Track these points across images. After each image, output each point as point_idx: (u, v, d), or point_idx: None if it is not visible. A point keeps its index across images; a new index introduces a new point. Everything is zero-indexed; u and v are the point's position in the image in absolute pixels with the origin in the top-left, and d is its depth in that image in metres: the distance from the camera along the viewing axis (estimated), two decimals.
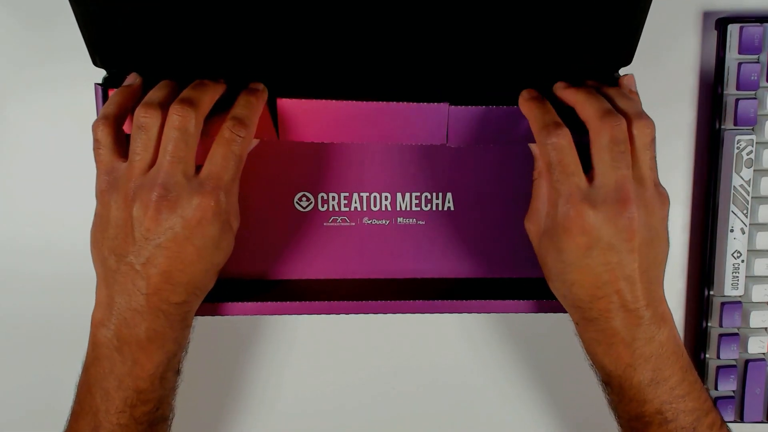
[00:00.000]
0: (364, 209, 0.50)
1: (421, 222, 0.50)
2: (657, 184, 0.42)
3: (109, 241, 0.40)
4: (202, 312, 0.45)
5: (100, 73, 0.45)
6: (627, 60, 0.44)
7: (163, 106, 0.40)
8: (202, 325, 0.47)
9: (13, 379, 0.54)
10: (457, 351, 0.55)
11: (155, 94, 0.41)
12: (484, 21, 0.41)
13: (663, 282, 0.43)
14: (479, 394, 0.56)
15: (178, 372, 0.43)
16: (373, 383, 0.56)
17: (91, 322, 0.41)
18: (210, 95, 0.41)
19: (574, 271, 0.40)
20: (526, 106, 0.42)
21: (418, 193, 0.50)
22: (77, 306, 0.52)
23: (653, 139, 0.41)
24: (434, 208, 0.50)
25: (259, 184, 0.50)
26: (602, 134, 0.39)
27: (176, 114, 0.39)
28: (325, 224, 0.50)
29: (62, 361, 0.54)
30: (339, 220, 0.50)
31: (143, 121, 0.39)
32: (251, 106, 0.41)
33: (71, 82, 0.50)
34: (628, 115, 0.40)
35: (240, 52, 0.43)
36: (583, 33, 0.42)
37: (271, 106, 0.44)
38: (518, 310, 0.48)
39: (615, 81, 0.45)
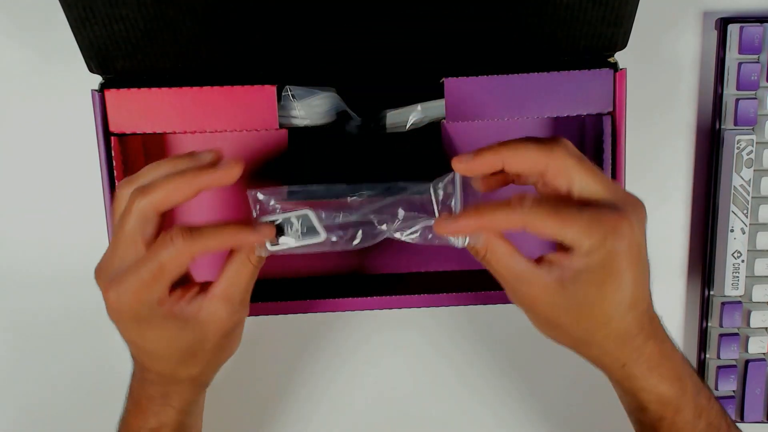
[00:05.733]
0: None
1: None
2: None
3: None
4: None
5: (96, 79, 0.44)
6: (623, 43, 0.44)
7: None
8: None
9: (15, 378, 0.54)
10: (462, 344, 0.55)
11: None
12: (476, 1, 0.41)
13: None
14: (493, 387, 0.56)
15: None
16: (372, 380, 0.56)
17: None
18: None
19: (636, 288, 0.36)
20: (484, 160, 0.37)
21: None
22: (77, 304, 0.53)
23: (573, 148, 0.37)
24: None
25: (260, 183, 0.50)
26: (566, 160, 0.36)
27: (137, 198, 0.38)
28: None
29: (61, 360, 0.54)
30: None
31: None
32: (218, 235, 0.37)
33: (68, 89, 0.50)
34: (541, 147, 0.37)
35: (237, 52, 0.43)
36: (577, 13, 0.42)
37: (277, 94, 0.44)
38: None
39: (610, 65, 0.45)
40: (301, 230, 0.38)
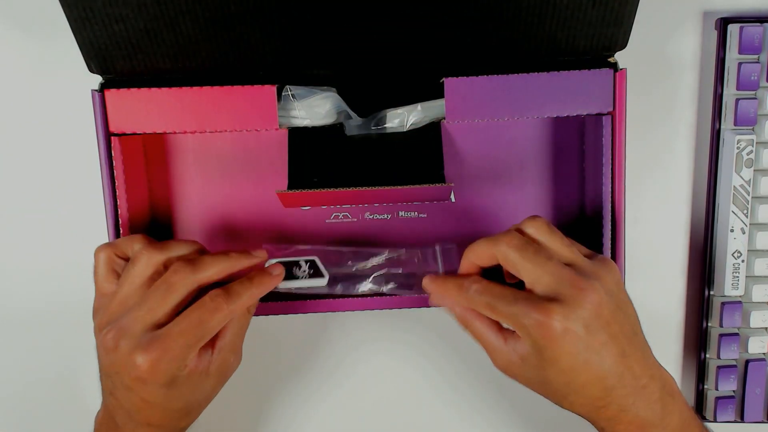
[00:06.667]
0: (366, 204, 0.50)
1: (422, 215, 0.50)
2: (592, 256, 0.42)
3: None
4: None
5: (96, 79, 0.44)
6: (623, 43, 0.44)
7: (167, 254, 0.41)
8: None
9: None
10: (462, 344, 0.55)
11: (174, 246, 0.42)
12: (476, 2, 0.41)
13: (649, 347, 0.41)
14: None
15: None
16: (372, 379, 0.56)
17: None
18: (218, 268, 0.40)
19: (580, 374, 0.38)
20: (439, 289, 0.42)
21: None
22: (77, 304, 0.53)
23: (549, 225, 0.41)
24: (435, 201, 0.50)
25: (260, 183, 0.50)
26: (508, 252, 0.39)
27: (172, 268, 0.40)
28: (327, 221, 0.50)
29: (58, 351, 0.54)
30: (341, 216, 0.50)
31: (137, 256, 0.41)
32: (247, 289, 0.41)
33: (68, 88, 0.50)
34: (514, 226, 0.41)
35: (237, 52, 0.43)
36: (577, 13, 0.42)
37: (277, 94, 0.44)
38: None
39: (610, 65, 0.45)
40: (308, 272, 0.45)
